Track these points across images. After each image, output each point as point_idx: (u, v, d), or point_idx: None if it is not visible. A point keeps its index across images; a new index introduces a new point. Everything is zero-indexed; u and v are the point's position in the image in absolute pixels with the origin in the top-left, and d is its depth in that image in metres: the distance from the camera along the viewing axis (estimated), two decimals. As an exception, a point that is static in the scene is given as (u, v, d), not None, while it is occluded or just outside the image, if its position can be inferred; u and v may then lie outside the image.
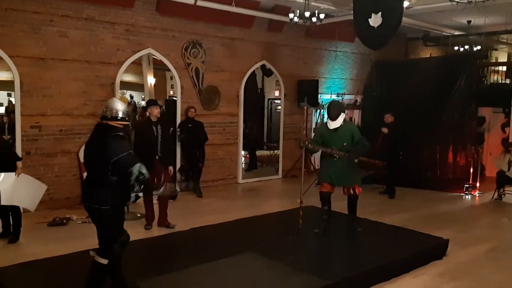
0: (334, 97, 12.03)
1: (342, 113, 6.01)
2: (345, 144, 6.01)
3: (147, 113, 6.68)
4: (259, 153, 12.51)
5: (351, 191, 6.23)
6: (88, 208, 4.07)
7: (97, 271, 4.07)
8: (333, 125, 6.03)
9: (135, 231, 6.49)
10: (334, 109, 6.04)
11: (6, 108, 13.00)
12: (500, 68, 14.79)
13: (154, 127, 6.51)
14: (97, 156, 3.95)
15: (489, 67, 14.12)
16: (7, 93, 13.17)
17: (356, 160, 6.04)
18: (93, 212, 4.06)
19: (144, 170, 3.86)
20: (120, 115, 4.03)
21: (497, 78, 14.51)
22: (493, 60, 15.30)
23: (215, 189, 9.66)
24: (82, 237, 6.20)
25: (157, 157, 6.46)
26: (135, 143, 6.42)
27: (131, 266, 5.03)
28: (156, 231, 6.57)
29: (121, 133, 4.01)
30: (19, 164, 6.14)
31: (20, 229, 6.10)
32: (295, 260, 5.19)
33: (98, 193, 3.98)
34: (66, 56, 7.80)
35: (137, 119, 14.69)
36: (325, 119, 11.35)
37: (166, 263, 5.26)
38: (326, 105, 6.74)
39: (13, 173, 6.00)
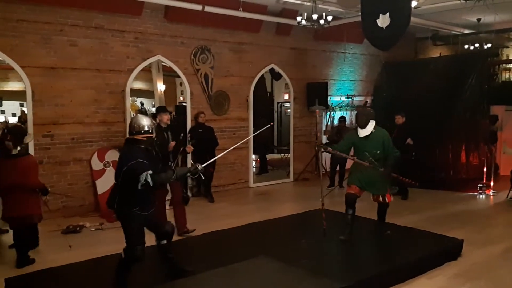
0: (343, 98, 12.01)
1: (371, 120, 5.92)
2: (378, 152, 5.85)
3: (157, 120, 6.69)
4: (269, 156, 12.51)
5: (381, 199, 6.07)
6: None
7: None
8: (363, 133, 5.94)
9: (149, 237, 6.52)
10: (362, 117, 5.98)
11: (19, 117, 13.18)
12: (512, 65, 14.63)
13: (164, 133, 6.52)
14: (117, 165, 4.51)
15: (501, 65, 13.96)
16: (20, 103, 13.36)
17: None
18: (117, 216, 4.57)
19: (149, 179, 4.20)
20: (145, 128, 4.45)
21: (509, 75, 14.34)
22: (504, 58, 15.13)
23: (227, 194, 9.67)
24: (96, 244, 6.27)
25: (170, 163, 6.46)
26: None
27: (145, 271, 5.06)
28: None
29: (142, 145, 4.45)
30: None
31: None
32: (308, 264, 5.16)
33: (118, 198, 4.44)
34: (77, 65, 7.89)
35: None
36: (335, 121, 11.38)
37: (180, 268, 5.26)
38: (355, 113, 6.64)
39: None
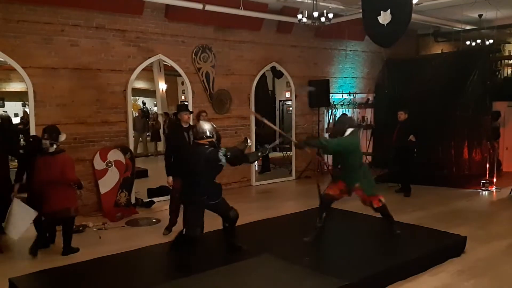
0: (345, 96, 11.99)
1: (349, 128, 5.79)
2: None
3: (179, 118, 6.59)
4: (272, 155, 12.50)
5: (368, 204, 5.90)
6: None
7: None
8: None
9: (152, 236, 6.56)
10: (340, 124, 6.03)
11: (21, 118, 13.22)
12: (514, 61, 14.57)
13: (185, 133, 6.41)
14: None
15: (503, 61, 13.93)
16: (22, 104, 13.42)
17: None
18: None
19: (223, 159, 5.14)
20: (207, 134, 5.20)
21: (511, 71, 14.29)
22: (506, 54, 15.08)
23: (229, 192, 9.57)
24: (99, 244, 6.28)
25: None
26: (167, 149, 6.73)
27: (148, 270, 5.07)
28: (174, 235, 6.56)
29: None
30: (16, 186, 6.13)
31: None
32: (312, 261, 5.17)
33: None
34: (78, 65, 7.89)
35: (150, 124, 14.88)
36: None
37: (183, 267, 5.27)
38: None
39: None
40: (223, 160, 5.09)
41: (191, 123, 6.90)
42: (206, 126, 5.26)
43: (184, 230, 5.26)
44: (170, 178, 6.41)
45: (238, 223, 6.92)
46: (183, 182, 5.49)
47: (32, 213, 5.84)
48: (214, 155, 5.08)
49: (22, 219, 5.88)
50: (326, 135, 11.11)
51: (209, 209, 5.33)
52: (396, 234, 6.00)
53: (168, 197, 8.50)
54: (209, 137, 5.20)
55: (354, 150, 5.81)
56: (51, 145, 5.85)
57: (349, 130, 5.79)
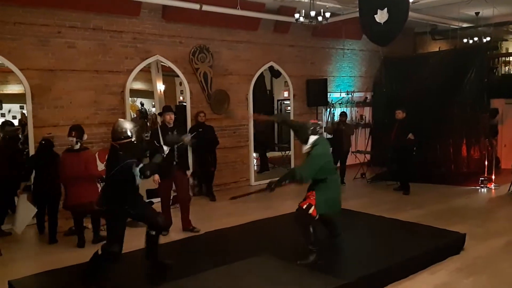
0: (343, 95, 11.99)
1: (312, 136, 5.33)
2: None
3: (162, 119, 6.75)
4: (271, 154, 12.50)
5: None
6: None
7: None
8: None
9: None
10: (301, 130, 5.47)
11: (20, 120, 13.19)
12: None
13: (170, 133, 6.41)
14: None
15: (500, 58, 13.92)
16: (20, 106, 13.37)
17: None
18: None
19: (137, 172, 4.49)
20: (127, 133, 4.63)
21: (509, 69, 14.29)
22: (504, 51, 15.09)
23: (228, 193, 9.63)
24: (98, 246, 6.25)
25: (174, 163, 6.51)
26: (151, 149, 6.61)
27: (148, 270, 5.06)
28: (172, 237, 6.57)
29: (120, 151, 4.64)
30: (22, 185, 6.59)
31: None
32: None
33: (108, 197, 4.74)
34: (75, 67, 7.88)
35: (149, 126, 14.85)
36: (336, 118, 11.36)
37: (182, 267, 5.27)
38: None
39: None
40: (138, 177, 4.50)
41: (189, 122, 6.98)
42: (126, 125, 4.68)
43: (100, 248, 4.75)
44: (156, 176, 6.24)
45: (237, 222, 6.99)
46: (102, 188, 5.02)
47: (33, 210, 6.48)
48: (128, 169, 4.45)
49: (24, 215, 6.47)
50: (325, 134, 11.13)
51: (132, 218, 4.96)
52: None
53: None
54: (128, 137, 4.61)
55: (326, 164, 5.28)
56: (76, 143, 6.29)
57: (312, 138, 5.29)
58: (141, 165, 4.50)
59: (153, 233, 4.94)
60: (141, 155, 5.19)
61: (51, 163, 6.51)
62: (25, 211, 6.54)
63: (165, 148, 5.04)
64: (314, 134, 5.31)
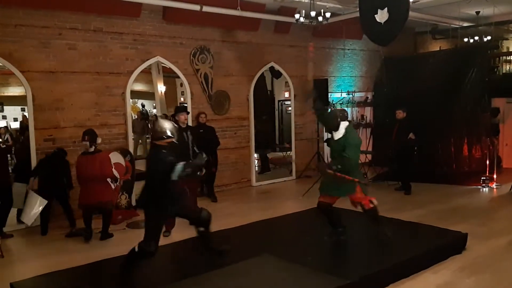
0: (344, 95, 11.99)
1: (342, 122, 5.53)
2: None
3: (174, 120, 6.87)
4: (272, 155, 12.50)
5: (360, 207, 5.58)
6: None
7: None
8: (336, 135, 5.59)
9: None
10: (331, 118, 5.61)
11: (21, 122, 13.22)
12: (512, 57, 14.57)
13: (184, 133, 6.73)
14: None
15: (501, 57, 13.93)
16: (21, 108, 13.41)
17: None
18: None
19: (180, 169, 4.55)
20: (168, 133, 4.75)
21: (510, 68, 14.29)
22: (504, 50, 15.09)
23: (230, 193, 9.67)
24: (100, 247, 6.28)
25: (190, 161, 6.57)
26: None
27: (150, 272, 5.07)
28: (174, 237, 6.57)
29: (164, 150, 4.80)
30: (31, 180, 6.83)
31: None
32: (313, 261, 5.16)
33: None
34: (76, 68, 7.89)
35: (150, 127, 14.86)
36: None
37: (183, 268, 5.28)
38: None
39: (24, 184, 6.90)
40: (177, 174, 4.52)
41: (190, 123, 7.05)
42: (167, 125, 4.77)
43: (137, 245, 4.78)
44: None
45: (239, 223, 6.99)
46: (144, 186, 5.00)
47: (43, 201, 6.73)
48: (171, 167, 4.51)
49: (34, 207, 6.74)
50: (325, 135, 11.14)
51: (173, 216, 5.06)
52: (387, 236, 5.63)
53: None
54: (169, 137, 4.72)
55: (359, 146, 5.55)
56: (90, 146, 6.68)
57: (343, 124, 5.48)
58: (182, 163, 4.56)
59: (202, 229, 5.07)
60: (183, 154, 5.62)
61: (61, 169, 7.01)
62: (34, 203, 6.76)
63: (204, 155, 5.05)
64: (343, 120, 5.53)
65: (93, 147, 6.73)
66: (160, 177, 4.60)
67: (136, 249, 4.73)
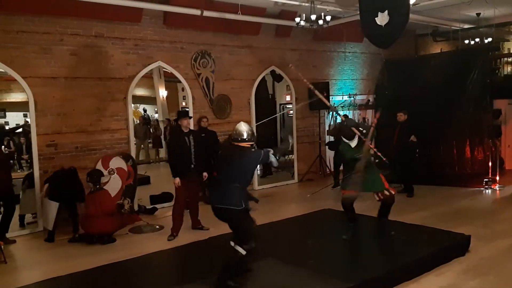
0: (346, 98, 11.99)
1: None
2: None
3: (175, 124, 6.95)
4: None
5: (386, 193, 6.01)
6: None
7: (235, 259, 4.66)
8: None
9: (156, 243, 6.56)
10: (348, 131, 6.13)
11: (23, 128, 13.23)
12: (514, 59, 14.56)
13: (186, 138, 6.78)
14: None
15: (502, 59, 13.91)
16: (23, 114, 13.42)
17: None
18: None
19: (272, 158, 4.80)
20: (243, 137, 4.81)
21: (511, 69, 14.27)
22: (506, 52, 15.06)
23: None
24: (103, 252, 6.27)
25: (192, 166, 6.80)
26: (170, 154, 7.10)
27: (153, 277, 5.06)
28: (178, 242, 6.57)
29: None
30: (45, 187, 6.91)
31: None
32: (316, 264, 5.15)
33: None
34: (78, 74, 7.91)
35: (152, 132, 14.90)
36: (338, 120, 11.35)
37: (187, 273, 5.27)
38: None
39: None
40: (274, 160, 4.82)
41: (191, 127, 7.09)
42: (247, 128, 4.89)
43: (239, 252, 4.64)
44: (177, 179, 6.72)
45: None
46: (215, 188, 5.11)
47: (56, 205, 6.88)
48: (266, 158, 4.73)
49: (51, 212, 6.89)
50: (327, 137, 11.16)
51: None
52: (390, 235, 6.08)
53: (171, 203, 8.55)
54: (250, 140, 4.84)
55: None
56: (94, 186, 7.04)
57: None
58: (271, 150, 4.79)
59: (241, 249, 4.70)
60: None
61: (72, 179, 7.24)
62: (51, 209, 6.92)
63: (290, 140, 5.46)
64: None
65: (97, 186, 7.04)
66: (252, 175, 4.92)
67: (244, 252, 4.59)
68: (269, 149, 4.78)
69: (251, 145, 4.83)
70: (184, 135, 6.78)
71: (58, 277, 5.22)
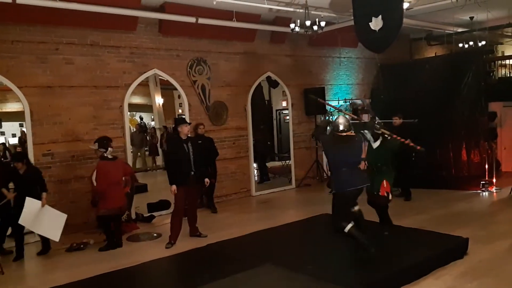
0: (341, 103, 12.02)
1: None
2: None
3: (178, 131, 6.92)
4: (271, 164, 12.49)
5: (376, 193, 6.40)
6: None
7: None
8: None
9: (154, 251, 6.54)
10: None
11: (20, 138, 13.21)
12: (508, 61, 14.63)
13: (185, 145, 6.80)
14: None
15: (496, 62, 14.00)
16: (19, 124, 13.40)
17: None
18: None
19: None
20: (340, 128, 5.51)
21: (505, 72, 14.36)
22: (500, 54, 15.16)
23: (230, 204, 9.65)
24: (100, 261, 6.24)
25: (192, 173, 6.79)
26: (168, 161, 7.12)
27: (151, 285, 5.05)
28: (176, 249, 6.55)
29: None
30: (44, 195, 6.61)
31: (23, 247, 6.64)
32: (314, 270, 5.14)
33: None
34: (74, 83, 7.92)
35: (148, 139, 14.89)
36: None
37: (186, 280, 5.25)
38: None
39: (39, 201, 6.50)
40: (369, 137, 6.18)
41: (188, 135, 7.08)
42: (341, 120, 5.56)
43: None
44: (174, 186, 6.70)
45: (240, 233, 6.98)
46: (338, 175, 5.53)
47: (63, 216, 6.64)
48: (372, 127, 6.19)
49: (57, 222, 6.58)
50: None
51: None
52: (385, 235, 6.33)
53: (168, 210, 8.55)
54: (343, 131, 5.45)
55: None
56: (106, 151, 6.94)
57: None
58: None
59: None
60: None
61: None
62: (56, 218, 6.65)
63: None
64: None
65: (108, 153, 6.96)
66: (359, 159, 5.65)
67: (347, 230, 5.29)
68: (362, 131, 6.04)
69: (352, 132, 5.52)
70: (182, 142, 6.80)
71: (56, 286, 5.19)
